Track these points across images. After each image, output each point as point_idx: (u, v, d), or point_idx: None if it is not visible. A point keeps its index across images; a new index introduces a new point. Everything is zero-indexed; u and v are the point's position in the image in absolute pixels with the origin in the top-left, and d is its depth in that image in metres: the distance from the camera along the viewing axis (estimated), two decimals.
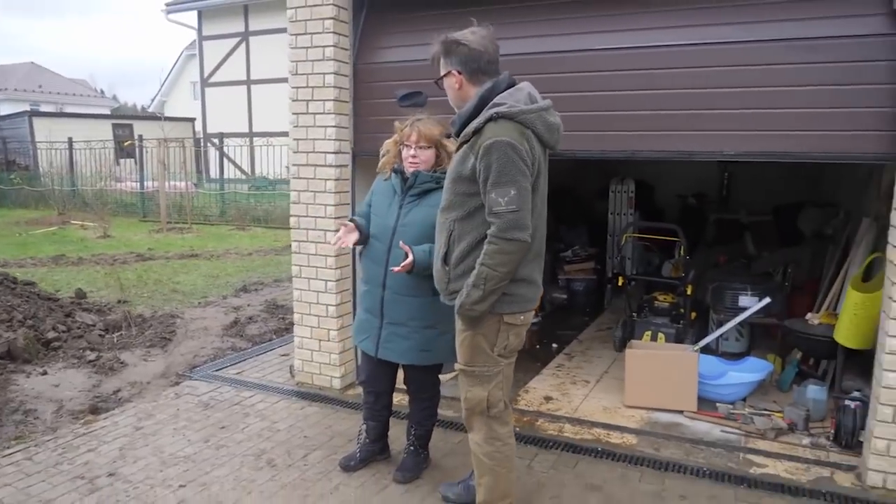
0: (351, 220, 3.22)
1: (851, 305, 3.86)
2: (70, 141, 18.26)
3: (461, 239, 2.56)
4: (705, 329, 5.33)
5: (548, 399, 4.44)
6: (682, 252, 5.23)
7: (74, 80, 39.29)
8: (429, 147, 3.14)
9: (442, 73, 2.66)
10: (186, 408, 4.32)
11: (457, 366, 2.75)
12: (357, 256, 4.53)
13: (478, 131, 2.46)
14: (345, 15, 4.34)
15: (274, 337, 5.99)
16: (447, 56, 2.61)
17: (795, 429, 3.87)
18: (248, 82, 21.09)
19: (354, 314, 4.57)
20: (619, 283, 5.42)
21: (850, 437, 3.61)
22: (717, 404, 4.19)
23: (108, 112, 32.20)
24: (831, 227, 5.79)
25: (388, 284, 3.16)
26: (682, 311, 5.31)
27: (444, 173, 3.12)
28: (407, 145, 3.15)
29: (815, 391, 4.04)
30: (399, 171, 3.22)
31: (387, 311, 3.19)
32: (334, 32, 4.26)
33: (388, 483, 3.34)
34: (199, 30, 21.93)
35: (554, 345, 5.56)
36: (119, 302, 7.05)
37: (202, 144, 20.25)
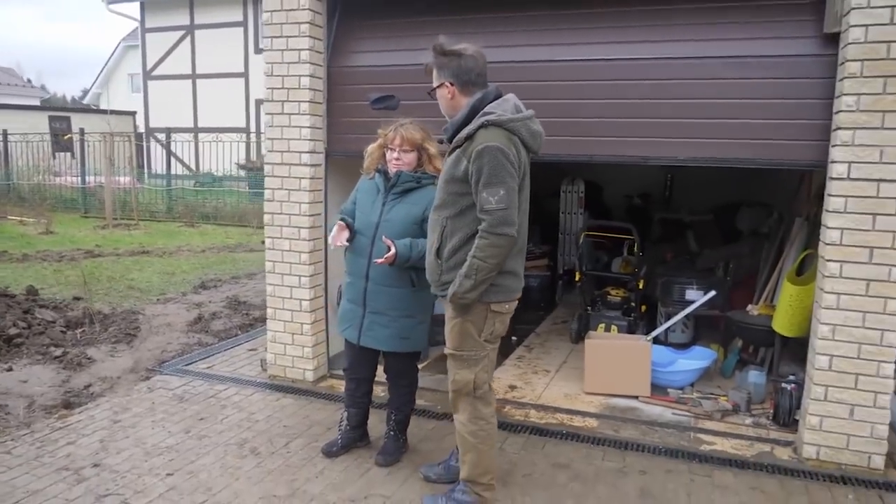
0: (342, 220, 3.41)
1: (787, 297, 4.25)
2: (5, 133, 17.59)
3: (453, 234, 2.79)
4: (654, 321, 5.70)
5: (512, 388, 4.71)
6: (636, 249, 5.58)
7: (0, 68, 37.58)
8: (411, 150, 3.36)
9: (435, 85, 2.87)
10: (161, 401, 4.40)
11: (446, 350, 2.97)
12: (329, 253, 4.73)
13: (470, 137, 2.70)
14: (320, 20, 4.49)
15: (239, 332, 6.06)
16: (441, 69, 2.83)
17: (739, 410, 4.24)
18: (194, 76, 20.76)
19: (327, 309, 4.77)
20: (578, 279, 5.73)
21: (787, 416, 3.99)
22: (669, 390, 4.54)
23: (37, 103, 30.92)
24: (766, 226, 6.26)
25: (370, 276, 3.37)
26: (632, 304, 5.67)
27: (425, 174, 3.36)
28: (391, 148, 3.36)
29: (755, 376, 4.43)
30: (383, 172, 3.42)
31: (369, 301, 3.39)
32: (310, 36, 4.40)
33: (371, 466, 3.53)
34: (142, 21, 21.45)
35: (513, 338, 5.84)
36: (74, 299, 6.97)
37: (145, 139, 19.80)
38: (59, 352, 5.12)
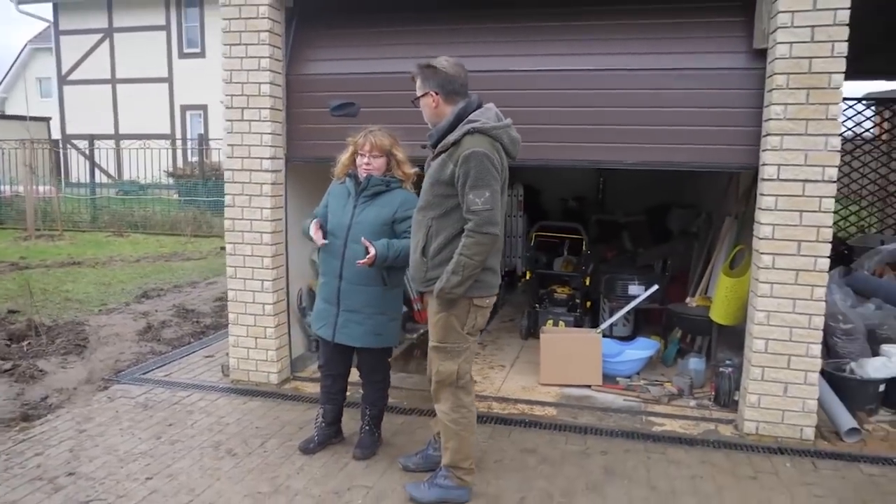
0: (317, 220, 3.54)
1: (723, 289, 4.64)
2: None
3: (438, 234, 2.98)
4: (597, 316, 6.04)
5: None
6: (584, 247, 5.90)
7: None
8: (380, 156, 3.53)
9: (420, 94, 3.05)
10: (125, 409, 4.37)
11: (431, 343, 3.15)
12: (290, 257, 4.82)
13: (456, 143, 2.89)
14: (278, 28, 4.58)
15: (192, 340, 6.02)
16: (425, 79, 3.01)
17: (683, 394, 4.59)
18: (114, 81, 20.06)
19: (289, 312, 4.86)
20: (528, 277, 6.01)
21: (727, 397, 4.36)
22: (617, 378, 4.86)
23: None
24: (695, 225, 6.73)
25: (344, 276, 3.51)
26: (577, 301, 6.00)
27: (394, 178, 3.54)
28: (361, 154, 3.52)
29: (695, 363, 4.80)
30: (353, 176, 3.57)
31: (343, 300, 3.53)
32: (270, 44, 4.49)
33: (349, 461, 3.66)
34: (56, 23, 20.54)
35: None
36: (10, 312, 6.72)
37: (62, 146, 18.98)
38: (7, 365, 4.98)
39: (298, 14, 4.72)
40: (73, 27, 20.19)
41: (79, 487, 3.36)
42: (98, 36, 19.98)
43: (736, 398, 4.27)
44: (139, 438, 3.93)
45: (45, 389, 4.69)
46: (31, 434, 3.98)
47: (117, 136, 19.51)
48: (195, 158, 17.31)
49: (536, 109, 4.26)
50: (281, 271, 4.79)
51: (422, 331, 5.16)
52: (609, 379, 4.84)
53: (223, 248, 4.96)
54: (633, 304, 5.22)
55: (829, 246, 3.79)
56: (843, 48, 3.64)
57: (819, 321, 3.83)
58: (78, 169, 18.36)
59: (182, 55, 19.60)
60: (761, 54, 3.93)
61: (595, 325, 5.60)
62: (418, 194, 3.39)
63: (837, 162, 3.75)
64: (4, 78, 29.22)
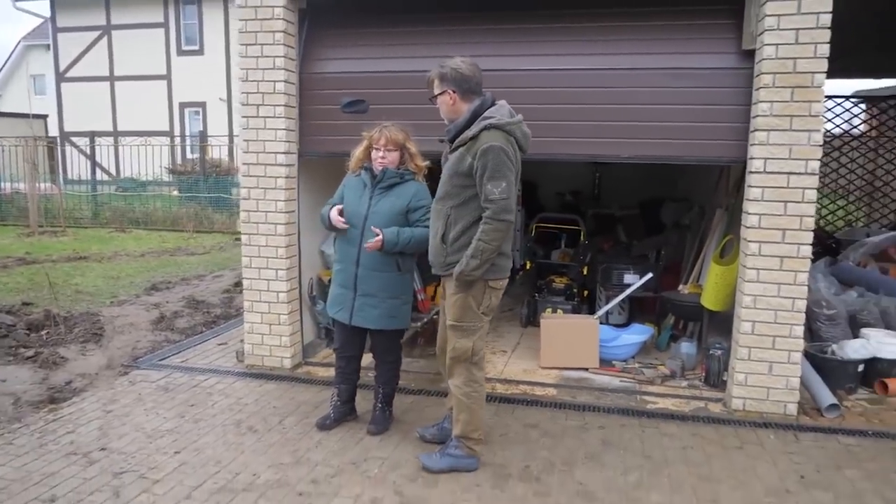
0: (336, 206, 3.78)
1: (714, 276, 4.90)
2: None
3: (457, 222, 3.25)
4: (593, 304, 6.30)
5: None
6: (582, 238, 6.17)
7: None
8: (395, 150, 3.77)
9: (437, 92, 3.31)
10: (147, 392, 4.60)
11: (448, 322, 3.40)
12: (302, 247, 5.06)
13: (474, 138, 3.16)
14: (292, 28, 4.81)
15: (204, 329, 6.25)
16: (443, 79, 3.26)
17: (675, 376, 4.85)
18: (112, 79, 20.19)
19: (301, 300, 5.10)
20: (528, 268, 6.27)
21: (716, 377, 4.63)
22: (613, 362, 5.12)
23: None
24: (687, 218, 7.00)
25: (361, 262, 3.76)
26: (574, 290, 6.26)
27: (407, 170, 3.79)
28: (376, 148, 3.76)
29: (687, 347, 5.07)
30: (368, 169, 3.81)
31: (360, 285, 3.77)
32: (284, 44, 4.72)
33: (364, 436, 3.90)
34: (53, 20, 20.65)
35: None
36: (24, 304, 6.92)
37: (60, 143, 19.13)
38: (30, 352, 5.20)
39: (310, 15, 4.94)
40: (71, 24, 20.31)
41: (112, 461, 3.59)
42: (96, 33, 20.11)
43: (725, 379, 4.53)
44: (164, 417, 4.16)
45: (69, 374, 4.91)
46: (60, 415, 4.21)
47: (116, 134, 19.68)
48: (194, 155, 17.49)
49: (538, 106, 4.48)
50: (294, 261, 5.03)
51: (425, 319, 5.40)
52: (606, 363, 5.10)
53: (237, 239, 5.17)
54: (628, 291, 5.48)
55: (812, 234, 4.06)
56: (825, 49, 3.90)
57: (802, 304, 4.10)
58: (77, 166, 18.47)
59: (180, 52, 19.76)
60: (749, 55, 4.19)
61: (592, 312, 5.86)
62: (430, 186, 3.65)
63: (819, 156, 4.01)
64: None
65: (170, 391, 4.62)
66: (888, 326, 5.07)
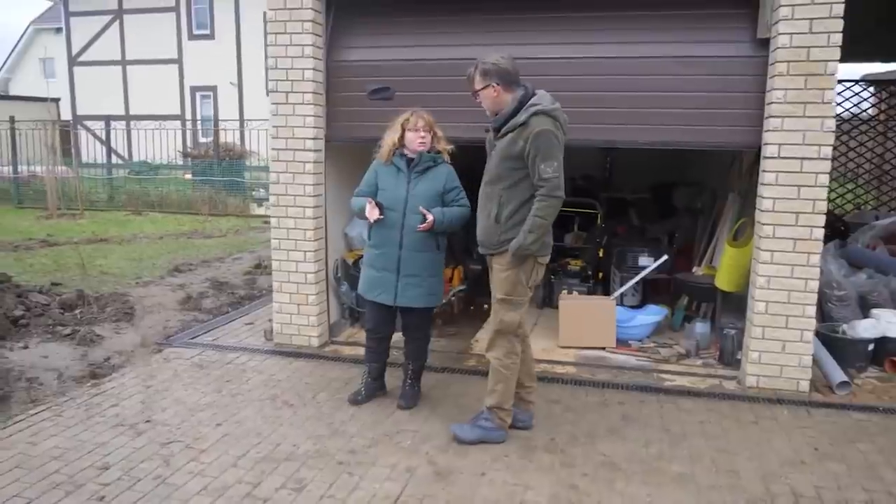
0: (374, 200, 3.94)
1: (728, 258, 5.06)
2: None
3: (509, 202, 3.49)
4: (608, 286, 6.47)
5: None
6: (599, 221, 6.34)
7: None
8: (431, 132, 3.95)
9: (480, 87, 3.52)
10: (183, 369, 4.80)
11: (497, 296, 3.63)
12: (328, 230, 5.23)
13: (524, 123, 3.37)
14: (320, 18, 4.95)
15: (230, 309, 6.44)
16: (486, 75, 3.47)
17: (690, 355, 5.03)
18: (124, 63, 20.32)
19: (327, 281, 5.28)
20: None
21: (730, 356, 4.81)
22: (629, 342, 5.30)
23: None
24: (699, 202, 7.14)
25: (404, 244, 3.95)
26: (589, 272, 6.43)
27: (438, 154, 3.97)
28: (415, 129, 3.93)
29: (701, 326, 5.24)
30: (402, 155, 3.98)
31: (403, 267, 3.96)
32: (312, 33, 4.87)
33: (394, 410, 4.10)
34: (66, 4, 20.74)
35: (486, 305, 6.47)
36: (53, 284, 7.12)
37: (73, 127, 19.30)
38: (67, 330, 5.41)
39: (337, 3, 5.07)
40: (83, 8, 20.41)
41: (158, 432, 3.80)
42: (108, 17, 20.21)
43: (738, 357, 4.71)
44: (202, 392, 4.37)
45: (106, 352, 5.12)
46: (102, 389, 4.42)
47: (128, 117, 19.85)
48: (206, 139, 17.64)
49: (558, 94, 4.60)
50: (321, 243, 5.21)
51: (444, 301, 5.57)
52: (622, 342, 5.28)
53: (264, 221, 5.32)
54: (644, 272, 5.65)
55: (824, 217, 4.21)
56: (837, 38, 4.03)
57: (814, 285, 4.26)
58: (91, 150, 18.67)
59: (192, 37, 19.86)
60: (764, 43, 4.31)
61: (606, 294, 6.02)
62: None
63: (832, 142, 4.16)
64: (7, 59, 29.39)
65: (204, 368, 4.82)
66: None
